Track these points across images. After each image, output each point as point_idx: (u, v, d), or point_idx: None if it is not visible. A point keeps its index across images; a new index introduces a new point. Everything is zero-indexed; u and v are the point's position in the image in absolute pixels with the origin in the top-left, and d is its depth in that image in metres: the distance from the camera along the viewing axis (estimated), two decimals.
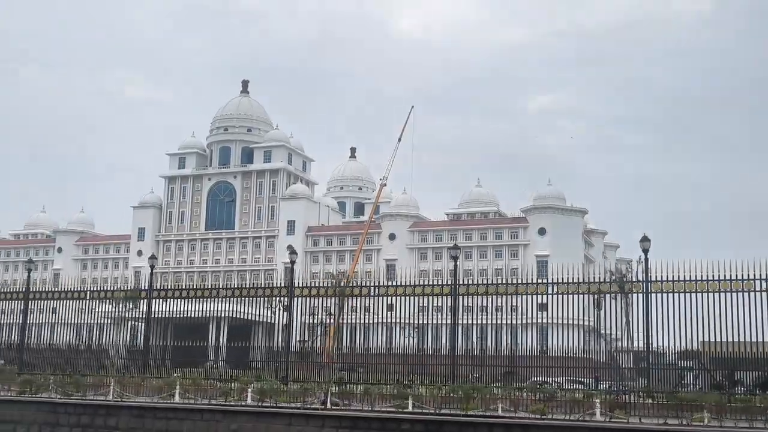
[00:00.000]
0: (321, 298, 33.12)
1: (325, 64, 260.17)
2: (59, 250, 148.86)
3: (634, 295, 28.97)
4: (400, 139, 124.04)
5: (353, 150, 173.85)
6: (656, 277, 27.84)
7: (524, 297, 29.46)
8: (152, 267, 36.58)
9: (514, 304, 29.94)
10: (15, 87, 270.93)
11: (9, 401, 20.85)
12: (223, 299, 34.40)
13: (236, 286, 37.72)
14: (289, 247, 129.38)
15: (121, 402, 23.21)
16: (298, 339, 38.90)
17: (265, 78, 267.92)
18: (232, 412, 22.12)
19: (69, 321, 36.42)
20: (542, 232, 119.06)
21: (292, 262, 35.45)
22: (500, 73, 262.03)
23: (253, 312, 38.80)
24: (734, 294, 26.81)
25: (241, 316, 43.68)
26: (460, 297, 30.35)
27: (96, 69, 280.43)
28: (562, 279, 28.78)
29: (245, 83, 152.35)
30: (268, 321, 41.25)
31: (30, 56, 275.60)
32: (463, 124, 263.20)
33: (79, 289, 37.60)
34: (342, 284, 37.43)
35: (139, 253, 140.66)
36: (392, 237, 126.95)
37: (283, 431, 20.98)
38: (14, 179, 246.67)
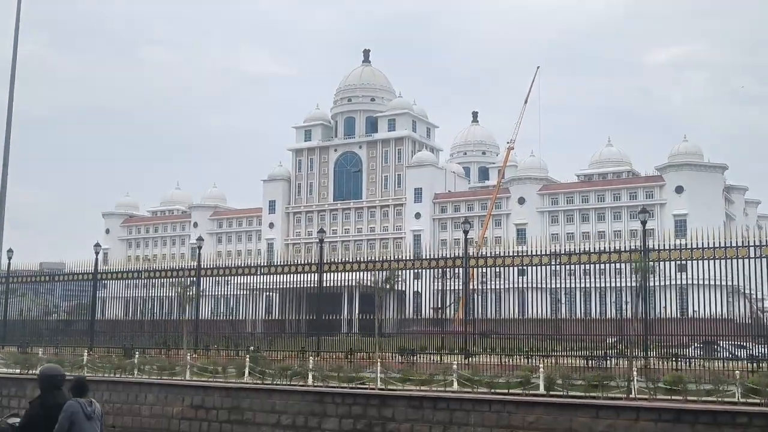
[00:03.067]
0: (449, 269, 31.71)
1: (443, 29, 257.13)
2: (195, 224, 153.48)
3: None
4: (526, 101, 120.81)
5: (475, 114, 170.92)
6: None
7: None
8: (321, 241, 35.57)
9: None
10: (140, 67, 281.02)
11: (269, 390, 18.13)
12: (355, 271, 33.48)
13: (367, 257, 36.52)
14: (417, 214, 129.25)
15: (399, 391, 19.99)
16: (433, 307, 38.01)
17: (384, 47, 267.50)
18: (526, 403, 19.14)
19: (222, 294, 36.64)
20: (679, 190, 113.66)
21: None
22: (620, 29, 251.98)
23: (381, 282, 37.87)
24: None
25: (372, 286, 42.78)
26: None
27: (221, 47, 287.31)
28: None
29: (366, 52, 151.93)
30: (399, 290, 40.56)
31: (155, 37, 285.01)
32: (586, 84, 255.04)
33: (251, 264, 36.70)
34: (475, 252, 35.83)
35: (271, 225, 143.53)
36: (521, 201, 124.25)
37: (589, 425, 18.07)
38: (146, 158, 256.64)
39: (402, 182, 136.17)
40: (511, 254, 29.01)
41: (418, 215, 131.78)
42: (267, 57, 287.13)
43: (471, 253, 30.41)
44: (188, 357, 24.95)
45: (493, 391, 20.08)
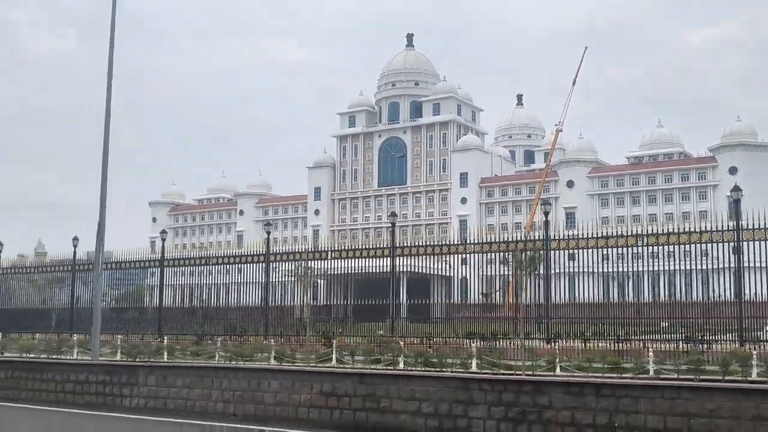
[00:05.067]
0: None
1: (484, 11, 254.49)
2: (241, 212, 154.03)
3: None
4: (574, 83, 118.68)
5: (520, 97, 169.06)
6: None
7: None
8: (393, 224, 35.15)
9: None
10: (178, 59, 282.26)
11: (407, 376, 16.82)
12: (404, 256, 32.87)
13: (412, 242, 35.81)
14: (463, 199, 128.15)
15: (556, 377, 18.50)
16: (482, 292, 37.39)
17: (426, 31, 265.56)
18: (704, 388, 17.46)
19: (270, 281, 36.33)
20: (733, 171, 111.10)
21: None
22: (658, 9, 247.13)
23: (431, 267, 37.25)
24: None
25: (419, 271, 42.14)
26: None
27: (253, 37, 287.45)
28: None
29: (410, 37, 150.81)
30: (445, 275, 39.94)
31: (191, 28, 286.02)
32: (632, 64, 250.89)
33: (320, 249, 36.23)
34: (523, 237, 34.84)
35: (317, 212, 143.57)
36: (570, 184, 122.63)
37: None
38: (190, 149, 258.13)
39: (447, 167, 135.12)
40: (593, 236, 28.08)
41: (464, 200, 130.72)
42: (296, 46, 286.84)
43: (552, 236, 29.47)
44: (334, 342, 24.49)
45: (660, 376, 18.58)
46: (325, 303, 34.48)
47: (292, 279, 38.78)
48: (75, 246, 40.78)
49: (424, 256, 33.68)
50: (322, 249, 34.85)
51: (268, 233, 37.26)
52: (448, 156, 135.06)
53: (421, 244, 33.32)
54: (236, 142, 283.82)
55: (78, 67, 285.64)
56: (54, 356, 23.61)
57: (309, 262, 33.59)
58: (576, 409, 13.96)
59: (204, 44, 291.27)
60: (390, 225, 34.45)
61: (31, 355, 23.44)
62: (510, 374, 16.92)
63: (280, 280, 37.97)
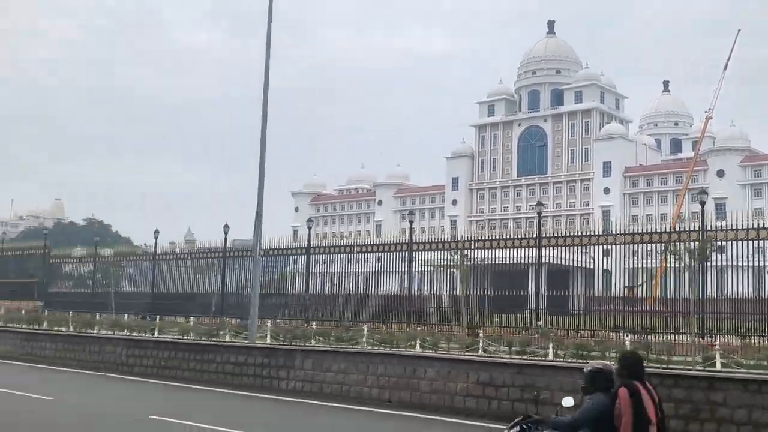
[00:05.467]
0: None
1: None
2: (379, 202, 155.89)
3: None
4: (725, 68, 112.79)
5: (666, 83, 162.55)
6: None
7: None
8: (539, 214, 34.81)
9: None
10: (314, 49, 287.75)
11: (570, 368, 15.11)
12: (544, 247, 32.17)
13: (553, 232, 35.09)
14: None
15: (733, 373, 16.14)
16: (626, 285, 36.19)
17: (569, 19, 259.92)
18: None
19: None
20: None
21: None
22: None
23: (574, 258, 36.30)
24: None
25: (558, 263, 41.20)
26: None
27: (393, 28, 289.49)
28: None
29: (551, 24, 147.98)
30: (587, 267, 38.86)
31: (328, 19, 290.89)
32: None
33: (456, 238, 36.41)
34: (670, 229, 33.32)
35: (454, 202, 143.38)
36: (720, 174, 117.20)
37: None
38: (327, 139, 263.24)
39: (589, 156, 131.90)
40: (754, 227, 26.60)
41: (606, 190, 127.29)
42: (440, 36, 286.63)
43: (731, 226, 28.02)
44: (481, 332, 24.54)
45: None
46: (466, 293, 34.28)
47: (431, 268, 38.90)
48: (226, 233, 42.30)
49: (566, 247, 33.05)
50: (467, 239, 34.72)
51: (411, 222, 37.51)
52: (591, 145, 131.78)
53: (568, 234, 32.61)
54: (373, 132, 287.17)
55: (225, 60, 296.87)
56: (213, 339, 24.63)
57: (460, 251, 33.53)
58: (753, 407, 13.05)
59: (345, 34, 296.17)
60: (534, 215, 33.93)
61: (191, 337, 24.57)
62: (681, 369, 16.10)
63: (419, 269, 38.24)
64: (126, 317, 38.13)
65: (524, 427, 8.57)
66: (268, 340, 25.75)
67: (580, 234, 32.02)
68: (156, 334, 29.13)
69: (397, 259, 37.17)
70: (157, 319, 36.61)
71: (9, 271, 55.73)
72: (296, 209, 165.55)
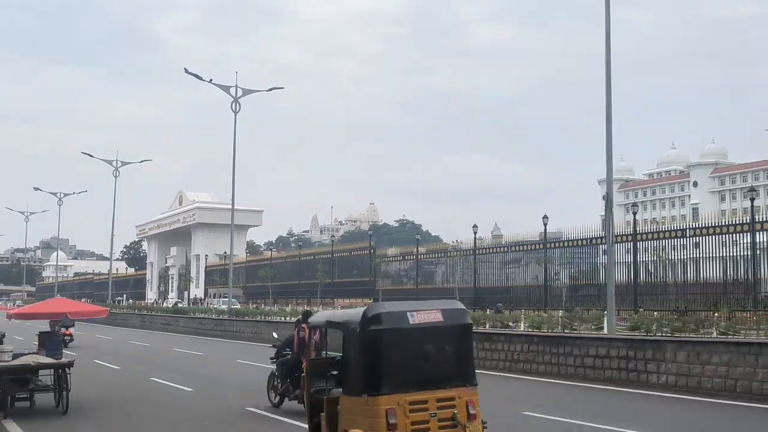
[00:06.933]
0: None
1: None
2: (695, 184, 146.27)
3: None
4: None
5: None
6: None
7: None
8: None
9: None
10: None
11: None
12: None
13: None
14: None
15: None
16: None
17: None
18: None
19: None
20: None
21: None
22: None
23: None
24: None
25: None
26: None
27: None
28: None
29: None
30: None
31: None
32: None
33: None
34: None
35: None
36: None
37: None
38: (629, 122, 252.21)
39: None
40: None
41: None
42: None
43: None
44: None
45: None
46: None
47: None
48: (545, 224, 41.50)
49: None
50: None
51: (752, 200, 34.00)
52: None
53: None
54: (687, 111, 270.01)
55: (517, 52, 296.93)
56: (565, 331, 23.44)
57: None
58: None
59: (643, 12, 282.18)
60: None
61: (544, 330, 23.61)
62: None
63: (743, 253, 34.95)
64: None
65: None
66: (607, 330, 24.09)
67: None
68: (505, 325, 28.21)
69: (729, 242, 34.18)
70: (504, 311, 36.20)
71: (340, 270, 59.33)
72: (604, 197, 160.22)
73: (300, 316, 17.20)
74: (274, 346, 17.94)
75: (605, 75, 24.44)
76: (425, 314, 9.13)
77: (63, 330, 31.13)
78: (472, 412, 8.91)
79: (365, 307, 9.13)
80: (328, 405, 9.56)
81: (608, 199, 25.96)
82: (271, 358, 17.30)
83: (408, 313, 9.04)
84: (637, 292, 36.32)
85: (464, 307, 9.64)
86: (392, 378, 8.74)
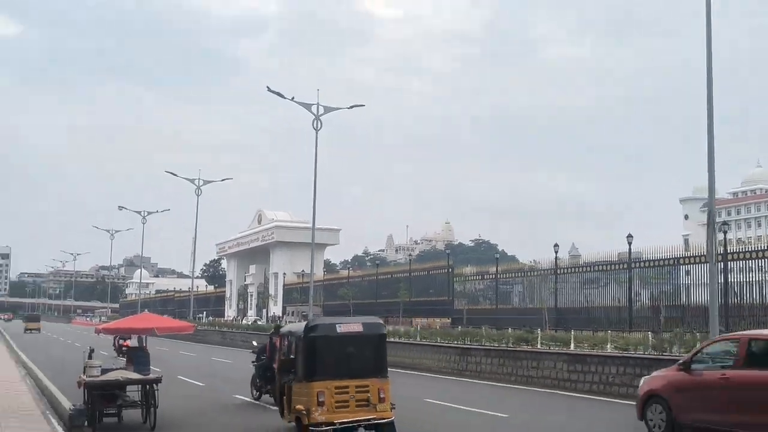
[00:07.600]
0: None
1: None
2: None
3: None
4: None
5: None
6: None
7: None
8: None
9: None
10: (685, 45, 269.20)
11: None
12: None
13: None
14: None
15: None
16: None
17: None
18: None
19: None
20: None
21: None
22: None
23: None
24: None
25: None
26: None
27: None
28: None
29: None
30: None
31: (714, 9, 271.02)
32: None
33: None
34: None
35: None
36: None
37: None
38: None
39: None
40: None
41: None
42: None
43: None
44: None
45: None
46: None
47: None
48: (629, 243, 40.30)
49: None
50: None
51: None
52: None
53: None
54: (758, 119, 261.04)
55: (589, 69, 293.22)
56: (663, 353, 22.69)
57: None
58: None
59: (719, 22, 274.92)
60: None
61: (612, 350, 22.95)
62: None
63: None
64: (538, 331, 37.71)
65: None
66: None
67: None
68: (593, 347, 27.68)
69: None
70: (572, 332, 35.43)
71: (416, 290, 58.81)
72: (686, 217, 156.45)
73: (272, 329, 21.97)
74: (253, 352, 22.58)
75: (706, 86, 23.68)
76: (349, 326, 13.00)
77: (121, 341, 31.71)
78: (382, 396, 12.57)
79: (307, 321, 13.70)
80: (287, 390, 13.92)
81: (710, 216, 25.00)
82: (252, 362, 21.63)
83: (336, 325, 13.00)
84: (728, 314, 35.03)
85: (381, 322, 13.82)
86: (323, 370, 12.58)
